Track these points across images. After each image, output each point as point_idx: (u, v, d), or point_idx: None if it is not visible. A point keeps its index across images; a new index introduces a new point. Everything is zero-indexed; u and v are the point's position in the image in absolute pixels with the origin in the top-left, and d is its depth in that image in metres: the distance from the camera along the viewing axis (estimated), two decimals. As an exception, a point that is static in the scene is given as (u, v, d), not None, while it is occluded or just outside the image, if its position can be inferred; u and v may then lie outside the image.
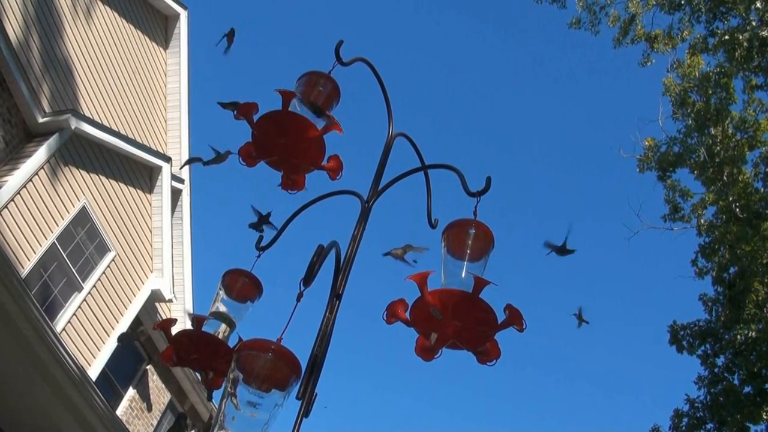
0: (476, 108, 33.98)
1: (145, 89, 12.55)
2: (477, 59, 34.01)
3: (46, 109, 9.73)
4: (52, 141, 9.47)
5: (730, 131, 15.89)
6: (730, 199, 14.96)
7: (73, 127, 9.70)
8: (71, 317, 9.84)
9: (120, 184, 11.05)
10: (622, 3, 15.86)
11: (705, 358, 14.15)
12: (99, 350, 10.35)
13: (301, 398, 2.03)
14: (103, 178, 10.68)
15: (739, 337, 13.48)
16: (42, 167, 9.38)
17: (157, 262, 11.73)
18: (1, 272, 7.20)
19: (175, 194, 12.57)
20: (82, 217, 10.19)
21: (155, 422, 12.26)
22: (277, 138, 2.58)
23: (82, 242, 10.16)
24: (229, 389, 1.97)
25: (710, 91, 15.85)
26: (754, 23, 12.49)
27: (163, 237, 11.78)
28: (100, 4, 11.43)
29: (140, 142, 11.75)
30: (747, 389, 13.39)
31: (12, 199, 8.86)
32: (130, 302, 11.03)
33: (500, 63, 33.92)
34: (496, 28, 33.62)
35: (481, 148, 34.33)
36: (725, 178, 15.46)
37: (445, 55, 33.57)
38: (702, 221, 16.03)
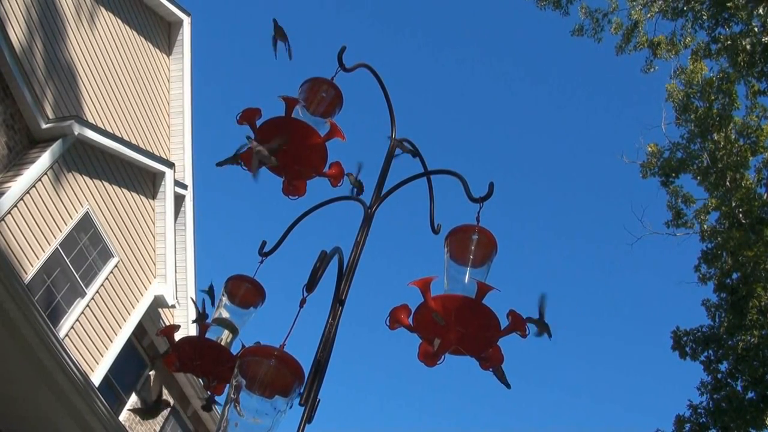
0: (479, 113, 34.02)
1: (148, 95, 12.57)
2: (480, 64, 34.06)
3: (50, 115, 9.75)
4: (55, 147, 9.48)
5: (733, 137, 15.90)
6: (733, 204, 14.95)
7: (76, 133, 9.72)
8: (74, 323, 9.84)
9: (123, 189, 11.07)
10: (625, 10, 15.88)
11: (708, 364, 14.13)
12: (102, 356, 10.35)
13: (304, 404, 2.02)
14: (107, 184, 10.69)
15: (741, 343, 13.46)
16: (45, 173, 9.40)
17: (160, 268, 11.73)
18: (5, 278, 7.21)
19: (178, 200, 12.57)
20: (86, 222, 10.20)
21: (158, 428, 12.26)
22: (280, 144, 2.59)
23: (85, 248, 10.17)
24: (232, 395, 1.97)
25: (713, 97, 15.87)
26: (756, 29, 12.48)
27: (166, 243, 11.79)
28: (103, 10, 11.46)
29: (143, 148, 11.77)
30: (750, 395, 13.36)
31: (15, 205, 8.87)
32: (134, 308, 11.04)
33: (503, 69, 33.95)
34: (500, 34, 33.66)
35: (483, 154, 34.35)
36: (728, 183, 15.46)
37: (448, 61, 33.60)
38: (705, 227, 16.03)
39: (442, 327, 2.05)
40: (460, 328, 2.06)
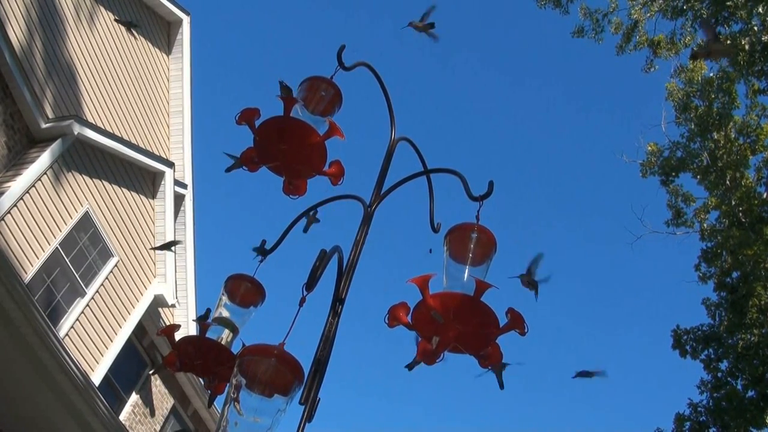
0: (479, 112, 34.01)
1: (148, 95, 12.57)
2: (479, 63, 34.06)
3: (49, 114, 9.75)
4: (55, 146, 9.48)
5: (733, 136, 15.92)
6: (733, 203, 14.97)
7: (76, 133, 9.71)
8: (74, 323, 9.84)
9: (123, 189, 11.07)
10: (625, 10, 15.88)
11: (708, 363, 14.14)
12: (102, 355, 10.35)
13: (304, 403, 2.02)
14: (106, 184, 10.69)
15: (741, 341, 13.47)
16: (45, 173, 9.40)
17: (160, 268, 11.73)
18: (5, 278, 7.21)
19: (178, 199, 12.57)
20: (85, 222, 10.20)
21: (158, 427, 12.26)
22: (278, 143, 2.59)
23: (85, 248, 10.16)
24: (231, 394, 1.97)
25: (713, 96, 15.88)
26: (756, 28, 12.48)
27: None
28: (102, 9, 11.46)
29: (143, 147, 11.77)
30: (750, 394, 13.37)
31: (15, 205, 8.87)
32: (133, 307, 11.04)
33: (503, 67, 33.95)
34: (500, 33, 33.66)
35: (483, 153, 34.35)
36: (728, 182, 15.48)
37: (447, 59, 33.60)
38: (705, 226, 16.04)
39: (440, 325, 2.05)
40: (458, 326, 2.06)
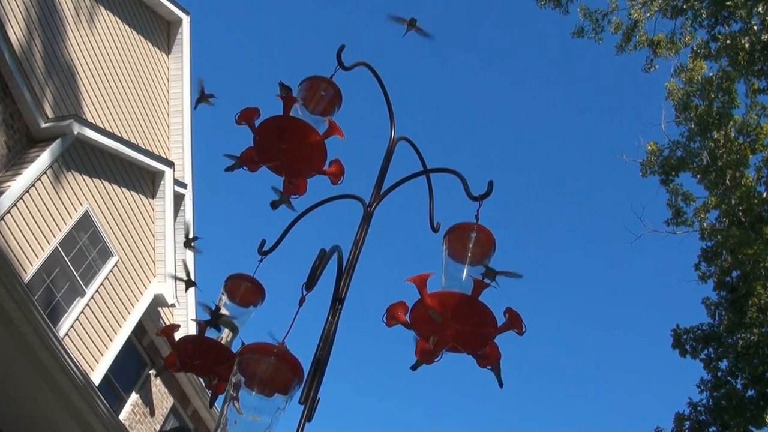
0: (478, 112, 34.00)
1: (147, 94, 12.57)
2: (479, 63, 34.04)
3: (49, 114, 9.75)
4: (54, 146, 9.48)
5: (733, 135, 15.92)
6: (733, 203, 14.97)
7: (75, 133, 9.71)
8: (74, 322, 9.84)
9: (123, 189, 11.06)
10: (625, 10, 15.88)
11: (708, 362, 14.15)
12: (102, 355, 10.35)
13: (303, 403, 2.02)
14: (106, 183, 10.69)
15: (741, 341, 13.48)
16: (45, 172, 9.39)
17: (159, 267, 11.72)
18: (5, 277, 7.21)
19: (178, 199, 12.57)
20: (85, 222, 10.19)
21: (158, 427, 12.26)
22: (278, 143, 2.59)
23: (84, 247, 10.16)
24: (231, 393, 1.97)
25: (713, 95, 15.88)
26: (756, 27, 12.49)
27: (165, 242, 11.78)
28: (102, 9, 11.46)
29: (143, 147, 11.77)
30: (750, 393, 13.38)
31: (15, 204, 8.87)
32: (133, 307, 11.03)
33: (503, 67, 33.94)
34: (501, 33, 33.64)
35: (483, 153, 34.34)
36: (728, 182, 15.48)
37: (448, 59, 33.58)
38: (705, 225, 16.05)
39: (438, 324, 2.04)
40: (456, 325, 2.05)
